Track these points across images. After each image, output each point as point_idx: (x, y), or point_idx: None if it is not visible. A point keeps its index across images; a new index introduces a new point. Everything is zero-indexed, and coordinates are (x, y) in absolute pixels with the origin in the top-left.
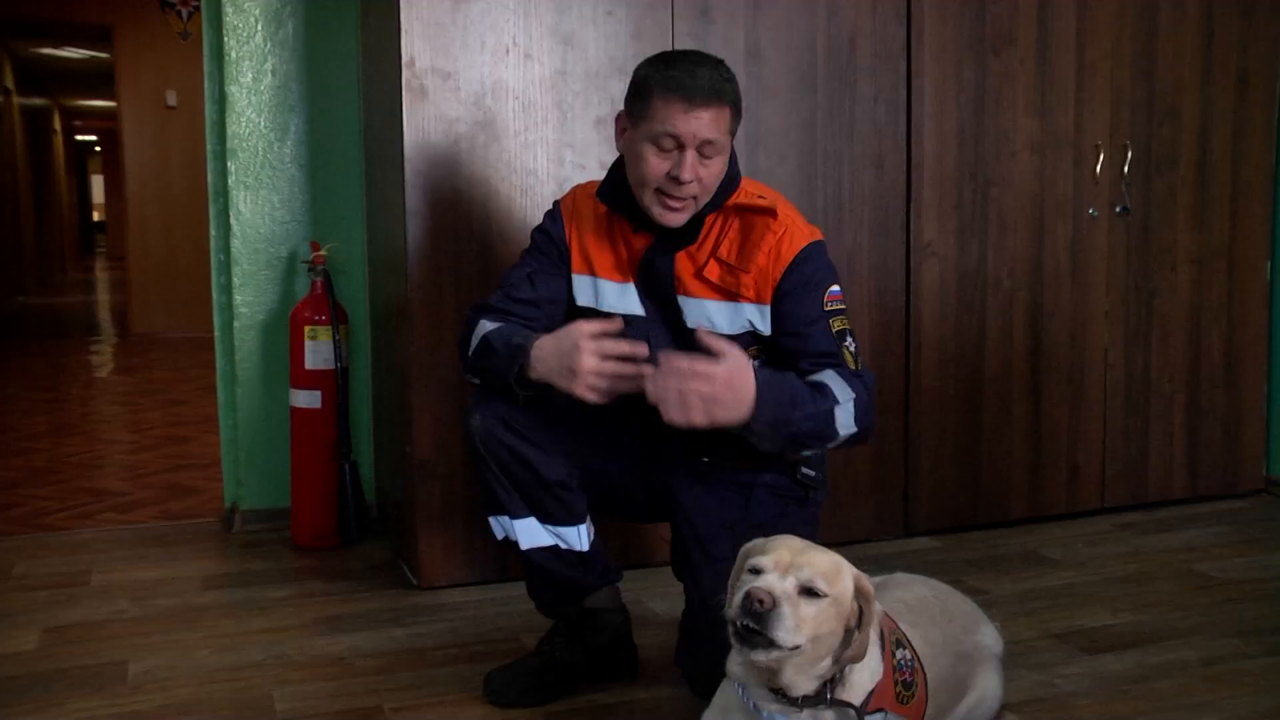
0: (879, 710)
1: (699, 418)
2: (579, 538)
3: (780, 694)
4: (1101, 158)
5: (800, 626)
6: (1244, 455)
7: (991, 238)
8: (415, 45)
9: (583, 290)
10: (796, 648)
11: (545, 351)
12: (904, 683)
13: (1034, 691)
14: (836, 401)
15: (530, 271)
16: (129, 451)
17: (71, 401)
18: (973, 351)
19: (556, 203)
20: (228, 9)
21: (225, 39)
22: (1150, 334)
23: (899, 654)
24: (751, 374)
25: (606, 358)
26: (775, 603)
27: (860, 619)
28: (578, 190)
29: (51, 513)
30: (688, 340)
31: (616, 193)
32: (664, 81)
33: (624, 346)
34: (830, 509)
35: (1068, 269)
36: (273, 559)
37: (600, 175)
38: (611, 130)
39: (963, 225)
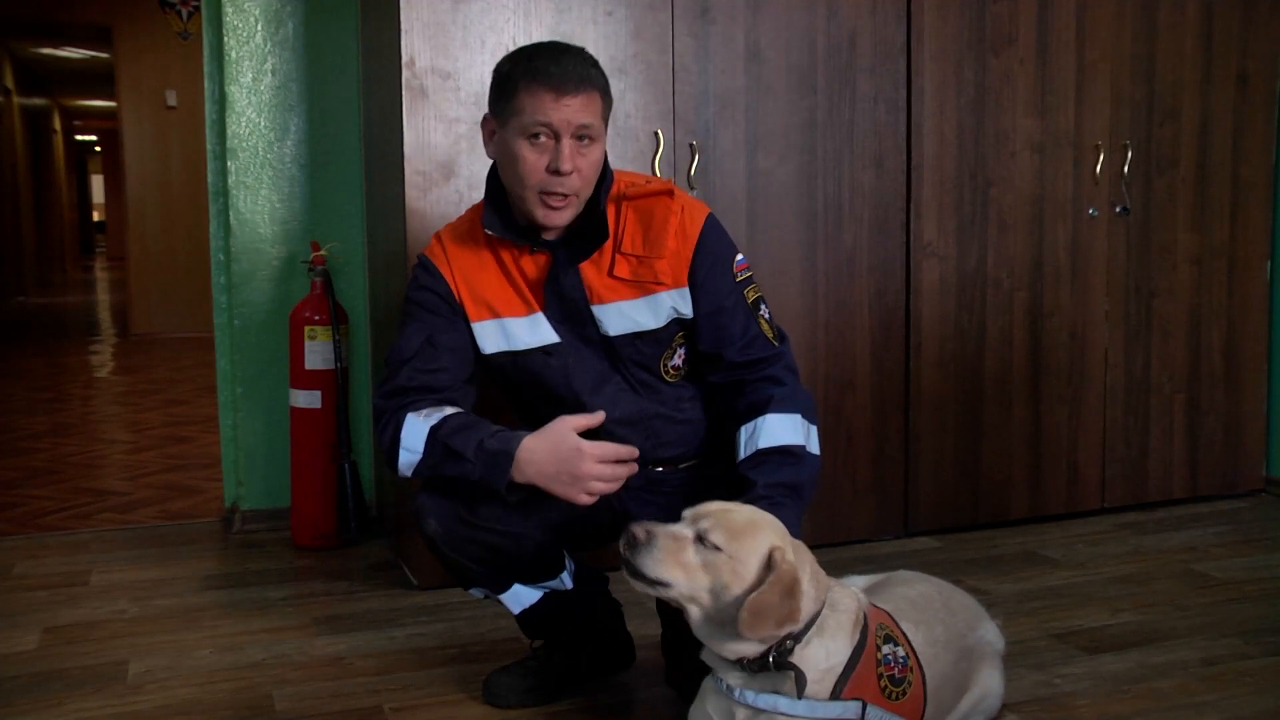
0: (857, 699)
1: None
2: (563, 583)
3: (741, 664)
4: (1101, 158)
5: (675, 566)
6: (1244, 455)
7: (991, 238)
8: (415, 45)
9: (489, 337)
10: (664, 584)
11: (539, 456)
12: (891, 678)
13: (1034, 691)
14: (803, 444)
15: (427, 337)
16: (129, 451)
17: (71, 401)
18: (973, 351)
19: (423, 256)
20: (228, 9)
21: (225, 39)
22: (1150, 334)
23: (885, 649)
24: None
25: (606, 462)
26: (650, 537)
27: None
28: (443, 234)
29: (51, 513)
30: (612, 352)
31: (500, 216)
32: (528, 73)
33: (621, 451)
34: (830, 509)
35: (1068, 269)
36: (273, 559)
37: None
38: (612, 130)
39: (963, 225)
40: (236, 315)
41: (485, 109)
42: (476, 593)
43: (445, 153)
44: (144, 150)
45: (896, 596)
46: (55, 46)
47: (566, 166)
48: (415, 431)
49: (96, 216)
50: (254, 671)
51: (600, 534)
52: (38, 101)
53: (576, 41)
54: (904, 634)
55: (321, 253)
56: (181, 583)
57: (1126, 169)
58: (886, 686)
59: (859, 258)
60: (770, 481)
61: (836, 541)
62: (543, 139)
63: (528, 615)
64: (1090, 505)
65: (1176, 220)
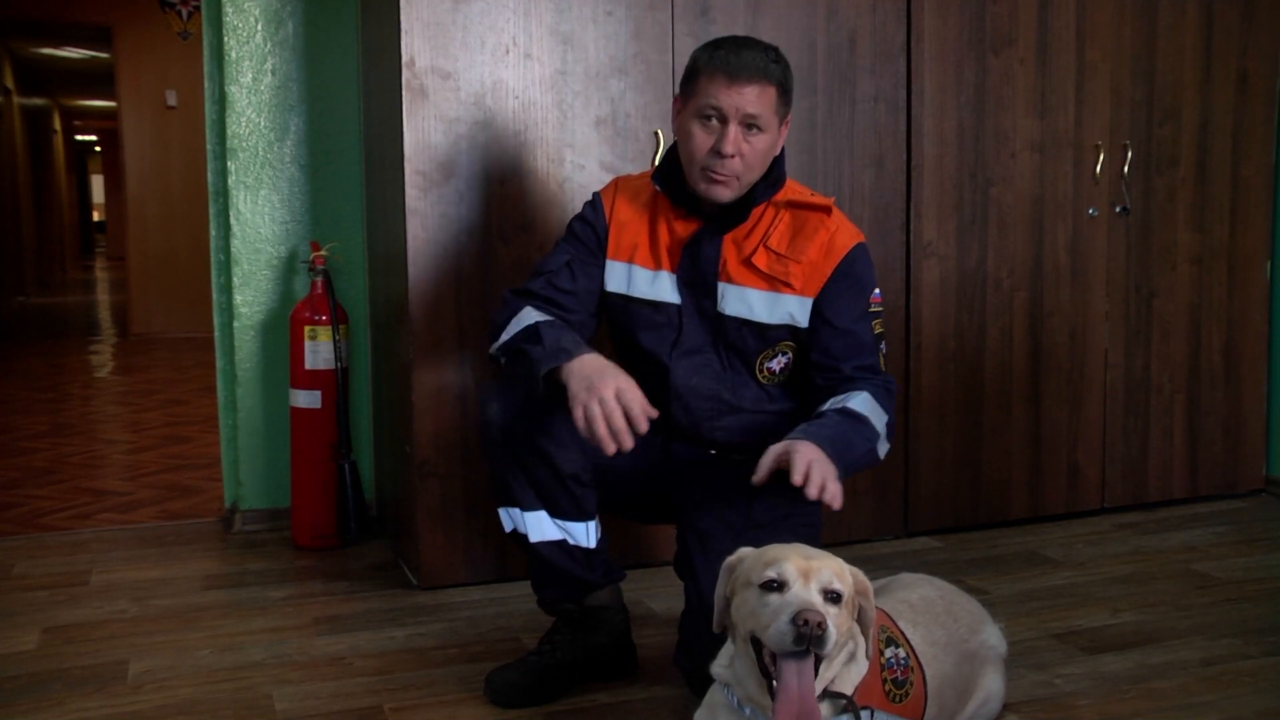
0: (866, 708)
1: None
2: (587, 535)
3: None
4: (1101, 158)
5: (838, 634)
6: (1244, 455)
7: (991, 238)
8: (415, 45)
9: (615, 276)
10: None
11: (586, 365)
12: (894, 681)
13: (1034, 691)
14: (878, 435)
15: (569, 260)
16: (129, 451)
17: (71, 401)
18: (973, 351)
19: (597, 193)
20: (228, 9)
21: (225, 39)
22: (1150, 334)
23: (888, 652)
24: (817, 445)
25: (624, 397)
26: (824, 624)
27: (861, 616)
28: (621, 180)
29: (51, 513)
30: (720, 330)
31: (669, 176)
32: (710, 60)
33: (651, 410)
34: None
35: (1068, 269)
36: (273, 559)
37: (600, 175)
38: (612, 130)
39: (963, 225)
40: (236, 315)
41: (485, 109)
42: (505, 520)
43: (445, 153)
44: (144, 150)
45: (896, 599)
46: (55, 46)
47: (729, 149)
48: (527, 318)
49: (96, 216)
50: (254, 671)
51: (639, 497)
52: (38, 101)
53: (576, 41)
54: (902, 633)
55: (322, 253)
56: (181, 583)
57: (1126, 169)
58: (890, 690)
59: None
60: (838, 416)
61: (837, 542)
62: (713, 121)
63: (539, 559)
64: (1090, 505)
65: (1176, 220)
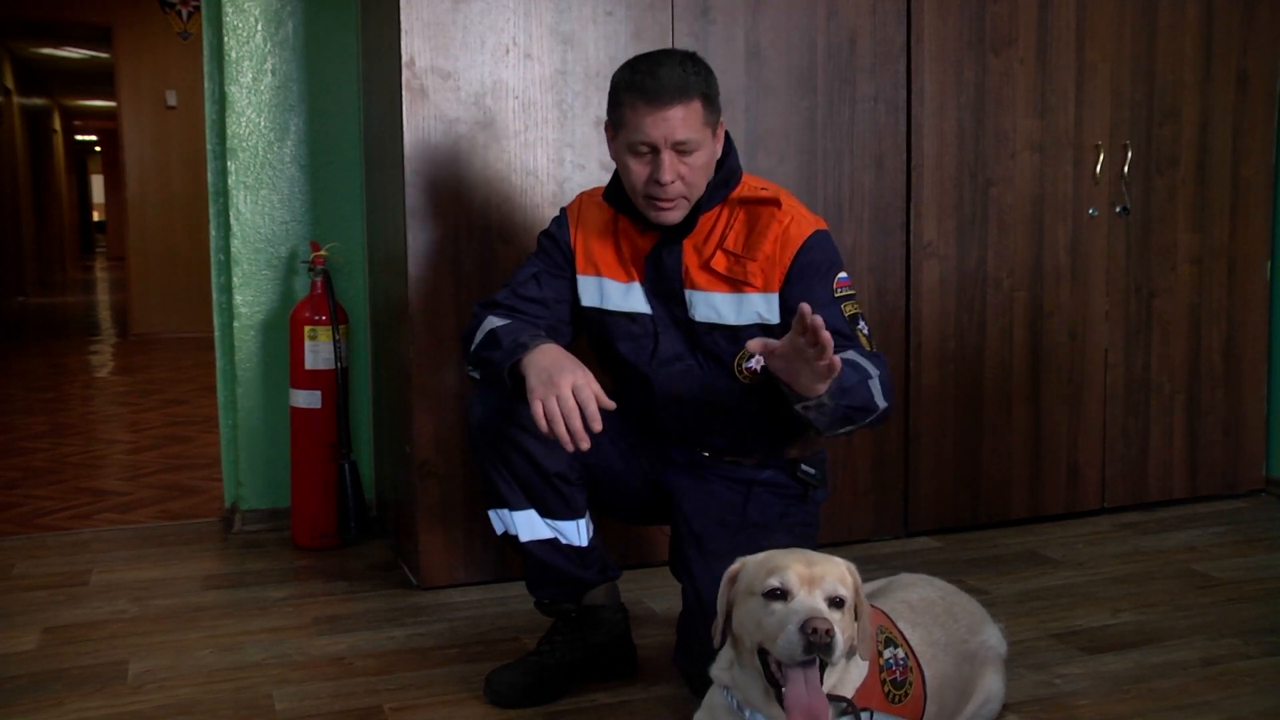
0: (866, 709)
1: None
2: (578, 533)
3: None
4: (1101, 158)
5: (844, 640)
6: (1244, 455)
7: (991, 238)
8: (415, 45)
9: (588, 291)
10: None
11: (544, 356)
12: (893, 681)
13: (1034, 691)
14: (870, 375)
15: (536, 272)
16: (129, 451)
17: (71, 401)
18: (973, 351)
19: (563, 209)
20: (228, 9)
21: (225, 39)
22: (1150, 334)
23: (887, 653)
24: None
25: (583, 390)
26: (831, 632)
27: (857, 613)
28: (583, 196)
29: (51, 513)
30: (693, 336)
31: (620, 194)
32: (629, 87)
33: (608, 402)
34: (830, 509)
35: (1068, 269)
36: (273, 559)
37: (600, 174)
38: None
39: (963, 225)
40: (236, 315)
41: (485, 109)
42: (496, 522)
43: (445, 153)
44: (144, 150)
45: (896, 600)
46: (55, 46)
47: (666, 177)
48: (487, 326)
49: (96, 216)
50: (254, 671)
51: (629, 496)
52: (38, 101)
53: (577, 41)
54: (901, 633)
55: (322, 253)
56: (181, 583)
57: (1126, 169)
58: (890, 691)
59: (859, 257)
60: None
61: (837, 542)
62: (645, 152)
63: (533, 559)
64: (1090, 505)
65: (1176, 220)
